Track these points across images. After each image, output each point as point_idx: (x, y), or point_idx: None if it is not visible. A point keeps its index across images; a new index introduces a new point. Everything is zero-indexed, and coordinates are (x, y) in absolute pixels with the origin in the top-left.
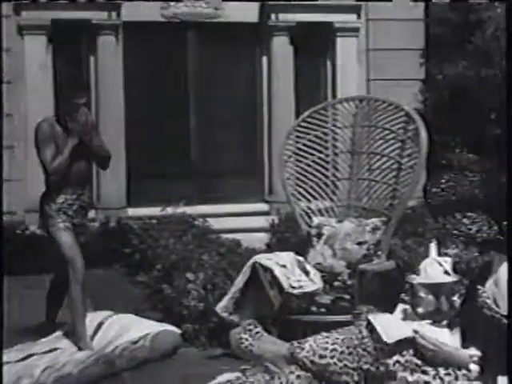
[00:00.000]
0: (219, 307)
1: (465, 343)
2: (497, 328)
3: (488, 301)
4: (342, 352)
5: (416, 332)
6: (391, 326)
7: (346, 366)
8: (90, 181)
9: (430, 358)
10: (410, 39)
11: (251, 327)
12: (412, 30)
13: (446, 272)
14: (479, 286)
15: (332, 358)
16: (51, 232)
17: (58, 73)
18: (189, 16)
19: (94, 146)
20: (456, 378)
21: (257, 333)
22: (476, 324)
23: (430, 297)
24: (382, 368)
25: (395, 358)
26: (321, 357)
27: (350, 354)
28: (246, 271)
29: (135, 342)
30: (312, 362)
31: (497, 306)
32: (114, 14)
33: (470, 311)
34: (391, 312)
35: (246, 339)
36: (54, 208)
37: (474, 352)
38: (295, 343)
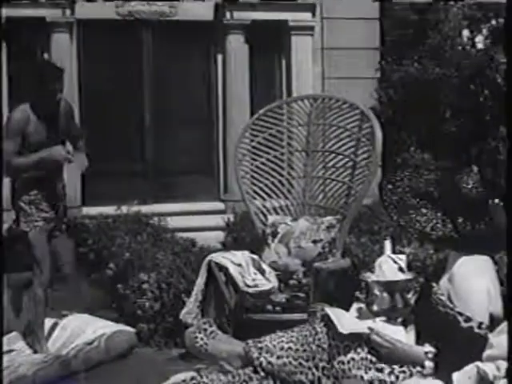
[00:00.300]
0: (183, 314)
1: (419, 340)
2: (451, 325)
3: (442, 298)
4: (296, 350)
5: (371, 329)
6: (347, 319)
7: (300, 364)
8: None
9: (385, 355)
10: (366, 38)
11: (206, 326)
12: (367, 28)
13: (401, 269)
14: (433, 284)
15: (287, 357)
16: (23, 228)
17: (12, 71)
18: (144, 14)
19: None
20: (411, 375)
21: (212, 332)
22: (430, 321)
23: (385, 294)
24: (336, 366)
25: (350, 355)
26: (278, 357)
27: (304, 351)
28: (202, 271)
29: (90, 343)
30: (269, 362)
31: (451, 302)
32: (68, 11)
33: (425, 308)
34: (346, 310)
35: (201, 338)
36: (25, 201)
37: (428, 349)
38: (250, 342)
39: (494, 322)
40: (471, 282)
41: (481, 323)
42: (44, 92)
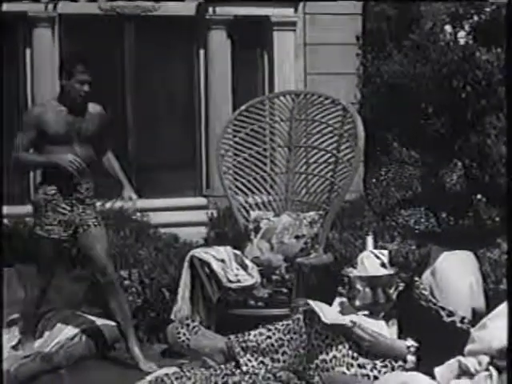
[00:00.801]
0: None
1: (402, 335)
2: (433, 319)
3: (425, 292)
4: (290, 356)
5: (353, 322)
6: (330, 312)
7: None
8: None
9: (367, 349)
10: (348, 33)
11: (188, 322)
12: (350, 24)
13: (383, 265)
14: (416, 278)
15: (280, 361)
16: (37, 231)
17: None
18: (126, 9)
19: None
20: (392, 370)
21: (194, 327)
22: (413, 316)
23: (367, 289)
24: (320, 365)
25: (332, 353)
26: (273, 360)
27: (295, 356)
28: (185, 267)
29: (72, 338)
30: (262, 362)
31: (434, 297)
32: (50, 6)
33: (408, 303)
34: (329, 305)
35: (184, 334)
36: (41, 198)
37: (410, 343)
38: (233, 338)
39: (476, 317)
40: (453, 276)
41: (463, 318)
42: (67, 82)
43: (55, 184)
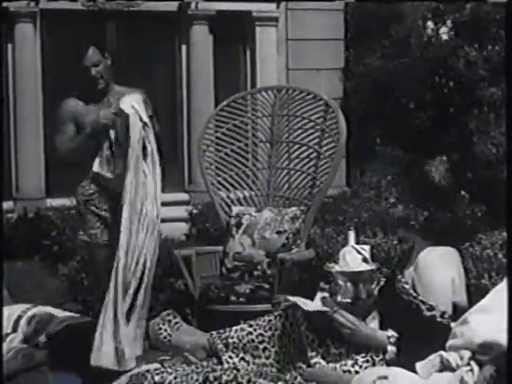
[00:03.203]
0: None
1: (383, 328)
2: (414, 313)
3: (406, 286)
4: (276, 353)
5: (334, 310)
6: (311, 304)
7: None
8: None
9: (347, 336)
10: (330, 29)
11: (170, 318)
12: (332, 19)
13: (365, 260)
14: (397, 272)
15: (266, 358)
16: (80, 237)
17: None
18: (108, 4)
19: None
20: (373, 365)
21: (176, 323)
22: (394, 309)
23: (349, 285)
24: (304, 364)
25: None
26: (253, 356)
27: (283, 353)
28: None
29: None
30: (243, 359)
31: (415, 291)
32: (32, 1)
33: (389, 297)
34: (311, 300)
35: (165, 330)
36: (81, 199)
37: (391, 333)
38: (214, 334)
39: (458, 312)
40: (435, 271)
41: (443, 312)
42: (79, 68)
43: (94, 182)
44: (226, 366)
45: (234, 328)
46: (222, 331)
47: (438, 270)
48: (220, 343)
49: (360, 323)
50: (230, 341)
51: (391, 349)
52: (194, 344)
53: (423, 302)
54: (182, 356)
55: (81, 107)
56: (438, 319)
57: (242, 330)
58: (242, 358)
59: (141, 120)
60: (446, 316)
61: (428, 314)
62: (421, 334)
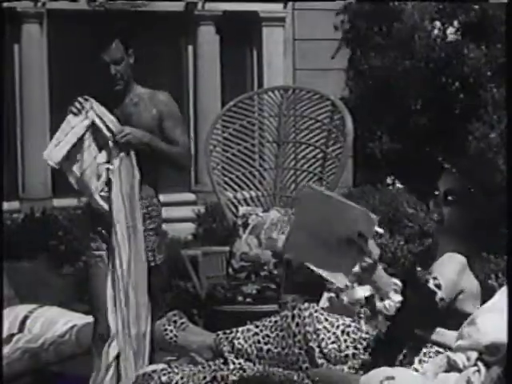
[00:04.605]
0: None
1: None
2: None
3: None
4: (278, 353)
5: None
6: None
7: (283, 368)
8: None
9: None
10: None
11: (176, 318)
12: (338, 19)
13: None
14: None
15: (269, 359)
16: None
17: None
18: (115, 5)
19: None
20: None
21: (182, 323)
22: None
23: (355, 285)
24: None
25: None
26: (258, 357)
27: (286, 355)
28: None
29: (62, 336)
30: (249, 359)
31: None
32: (39, 2)
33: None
34: (317, 300)
35: (171, 330)
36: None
37: (397, 281)
38: (221, 334)
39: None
40: (444, 260)
41: (435, 278)
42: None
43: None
44: (231, 366)
45: (241, 328)
46: (228, 331)
47: (452, 254)
48: (226, 345)
49: (376, 261)
50: (236, 342)
51: (395, 297)
52: (201, 344)
53: (435, 278)
54: (188, 356)
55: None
56: (436, 298)
57: (248, 330)
58: (248, 359)
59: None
60: (443, 302)
61: (432, 287)
62: (419, 307)
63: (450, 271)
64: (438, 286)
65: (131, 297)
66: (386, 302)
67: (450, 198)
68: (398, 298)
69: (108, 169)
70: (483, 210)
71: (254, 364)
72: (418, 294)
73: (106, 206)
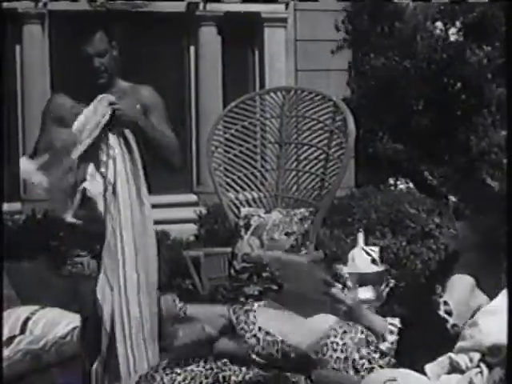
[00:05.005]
0: None
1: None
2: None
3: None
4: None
5: (330, 282)
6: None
7: None
8: None
9: (344, 314)
10: (340, 30)
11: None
12: (340, 20)
13: (374, 261)
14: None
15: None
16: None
17: None
18: (116, 5)
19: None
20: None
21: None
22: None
23: (358, 286)
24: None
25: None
26: (267, 334)
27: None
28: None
29: (63, 337)
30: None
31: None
32: (40, 2)
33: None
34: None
35: (180, 301)
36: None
37: (393, 321)
38: (237, 307)
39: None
40: (456, 278)
41: (455, 324)
42: (79, 56)
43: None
44: (240, 333)
45: (256, 303)
46: (244, 303)
47: (459, 277)
48: (242, 314)
49: (358, 302)
50: (251, 314)
51: (391, 338)
52: (211, 314)
53: (445, 302)
54: (197, 328)
55: (69, 107)
56: (448, 325)
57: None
58: (267, 333)
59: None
60: (456, 328)
61: (443, 314)
62: (426, 334)
63: (460, 294)
64: (449, 313)
65: (142, 278)
66: (382, 345)
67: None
68: (393, 338)
69: (85, 188)
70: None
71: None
72: (428, 324)
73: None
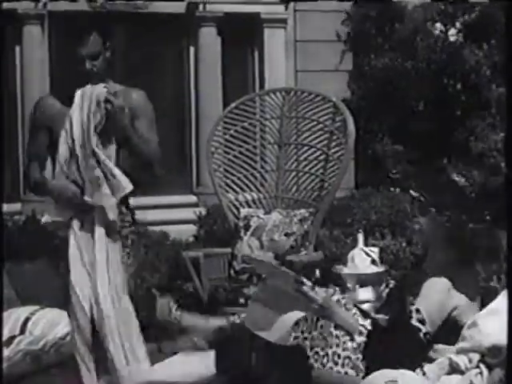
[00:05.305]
0: None
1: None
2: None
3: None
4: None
5: (300, 281)
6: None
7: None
8: None
9: (315, 313)
10: (338, 31)
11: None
12: (340, 21)
13: (374, 262)
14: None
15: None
16: None
17: None
18: (116, 6)
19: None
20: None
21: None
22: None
23: (357, 287)
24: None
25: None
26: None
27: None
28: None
29: (63, 338)
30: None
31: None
32: (40, 3)
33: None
34: None
35: (176, 309)
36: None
37: (365, 322)
38: (235, 317)
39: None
40: (431, 281)
41: (427, 332)
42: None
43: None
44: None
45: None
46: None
47: (434, 280)
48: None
49: (331, 301)
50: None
51: (359, 339)
52: (206, 326)
53: (417, 310)
54: (189, 341)
55: (57, 110)
56: (421, 334)
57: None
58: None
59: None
60: (428, 336)
61: (415, 323)
62: (399, 340)
63: (433, 300)
64: (422, 321)
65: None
66: (349, 344)
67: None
68: (361, 339)
69: None
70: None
71: None
72: (402, 336)
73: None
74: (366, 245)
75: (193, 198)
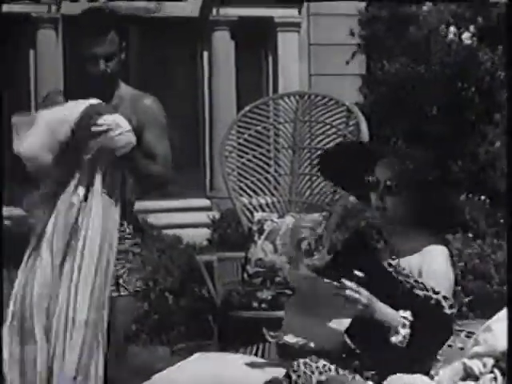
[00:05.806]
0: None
1: None
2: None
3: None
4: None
5: (343, 284)
6: None
7: None
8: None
9: (358, 313)
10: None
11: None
12: (353, 24)
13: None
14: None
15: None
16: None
17: None
18: (130, 10)
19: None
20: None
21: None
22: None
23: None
24: None
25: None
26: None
27: None
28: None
29: None
30: None
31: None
32: (53, 7)
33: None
34: None
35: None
36: None
37: (405, 313)
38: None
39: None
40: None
41: (435, 291)
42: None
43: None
44: None
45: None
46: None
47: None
48: None
49: (373, 297)
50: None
51: (403, 331)
52: None
53: (434, 291)
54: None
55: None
56: (446, 310)
57: None
58: None
59: None
60: (453, 309)
61: (434, 297)
62: (429, 324)
63: (445, 272)
64: (444, 299)
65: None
66: (394, 338)
67: (390, 186)
68: (406, 331)
69: None
70: (427, 196)
71: None
72: (428, 318)
73: None
74: None
75: (206, 202)
